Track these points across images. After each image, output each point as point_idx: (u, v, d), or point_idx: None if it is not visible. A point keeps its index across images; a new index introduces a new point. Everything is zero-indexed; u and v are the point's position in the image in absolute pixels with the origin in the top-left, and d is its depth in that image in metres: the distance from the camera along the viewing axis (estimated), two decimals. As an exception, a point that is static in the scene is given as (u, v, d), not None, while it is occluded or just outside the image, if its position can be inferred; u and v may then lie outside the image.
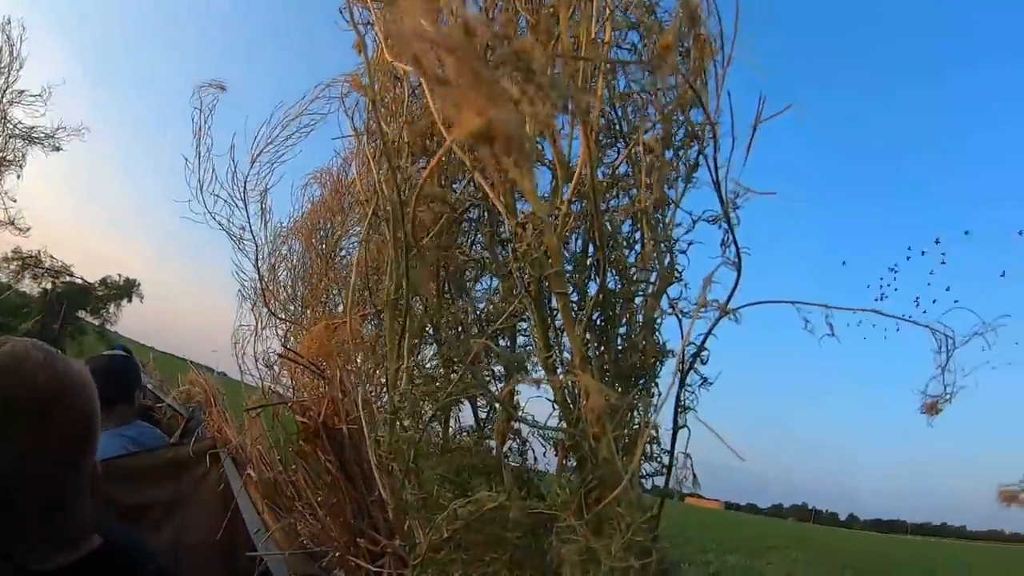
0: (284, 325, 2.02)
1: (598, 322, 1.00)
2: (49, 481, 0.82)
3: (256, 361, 2.10)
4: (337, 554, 1.49)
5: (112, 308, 21.19)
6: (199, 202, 2.07)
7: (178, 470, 3.04)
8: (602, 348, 1.00)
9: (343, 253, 2.00)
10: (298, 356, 1.64)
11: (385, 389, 1.40)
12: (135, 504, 2.14)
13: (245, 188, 1.92)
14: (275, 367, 2.07)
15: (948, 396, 0.92)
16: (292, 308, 2.02)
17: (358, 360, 1.69)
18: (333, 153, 2.15)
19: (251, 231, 1.98)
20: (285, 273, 2.06)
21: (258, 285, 2.02)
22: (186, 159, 2.12)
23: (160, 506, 2.97)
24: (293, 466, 1.90)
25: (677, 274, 1.02)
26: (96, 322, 20.91)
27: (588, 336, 0.95)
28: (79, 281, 20.12)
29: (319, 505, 1.65)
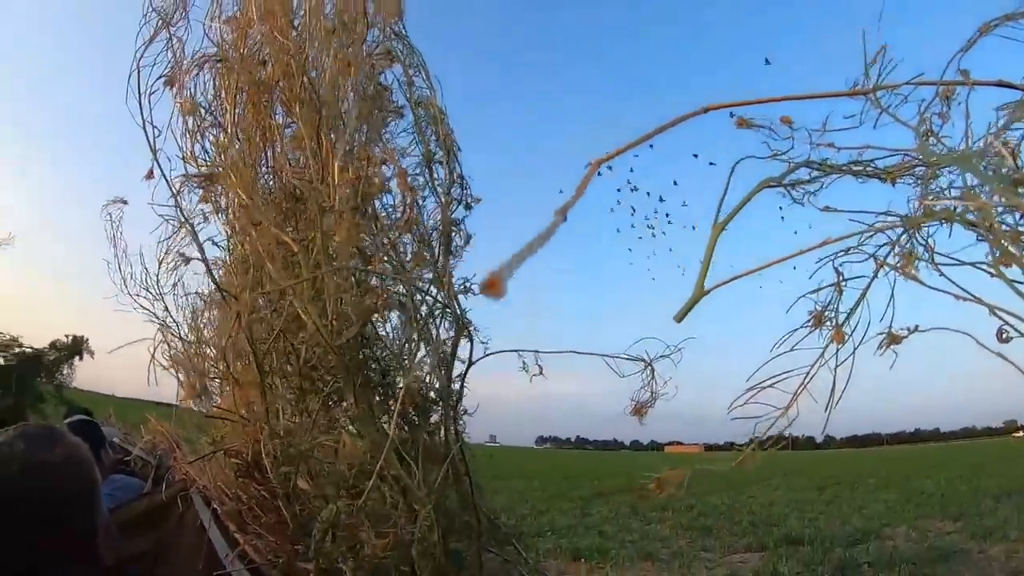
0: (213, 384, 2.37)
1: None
2: (16, 555, 0.99)
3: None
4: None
5: (65, 369, 20.87)
6: (126, 294, 2.43)
7: (157, 518, 3.29)
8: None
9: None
10: (226, 412, 2.00)
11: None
12: (123, 558, 2.36)
13: (159, 283, 2.29)
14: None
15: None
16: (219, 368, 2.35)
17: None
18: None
19: (172, 316, 2.36)
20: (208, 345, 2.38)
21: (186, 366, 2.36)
22: (107, 262, 2.47)
23: (147, 557, 3.22)
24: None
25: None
26: (52, 386, 20.60)
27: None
28: (28, 350, 19.81)
29: (265, 526, 2.03)
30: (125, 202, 2.38)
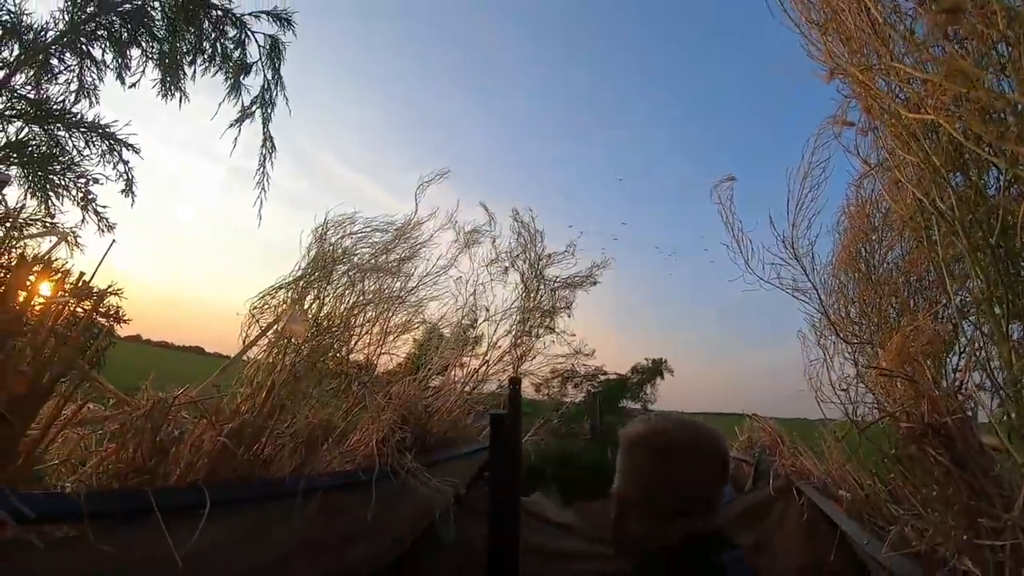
0: (853, 348, 2.24)
1: None
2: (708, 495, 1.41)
3: (833, 388, 2.33)
4: (956, 544, 1.58)
5: (648, 389, 23.64)
6: (750, 274, 2.51)
7: (760, 512, 3.34)
8: None
9: (885, 266, 2.19)
10: (887, 369, 1.82)
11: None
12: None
13: (793, 247, 2.29)
14: (849, 390, 2.27)
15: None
16: (858, 331, 2.22)
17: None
18: (844, 184, 2.39)
19: (808, 279, 2.32)
20: (844, 304, 2.28)
21: (823, 322, 2.32)
22: (726, 245, 2.59)
23: (746, 550, 3.26)
24: (891, 475, 2.02)
25: None
26: (637, 405, 23.54)
27: None
28: (612, 376, 23.11)
29: (928, 502, 1.75)
30: (733, 178, 2.47)
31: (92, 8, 5.37)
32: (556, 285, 4.24)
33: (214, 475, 1.68)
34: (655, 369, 23.65)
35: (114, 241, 1.46)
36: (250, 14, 6.43)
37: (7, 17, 5.05)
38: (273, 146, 6.77)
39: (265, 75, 6.58)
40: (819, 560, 2.80)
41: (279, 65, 6.57)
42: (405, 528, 2.96)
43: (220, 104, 6.46)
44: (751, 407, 4.16)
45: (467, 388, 3.48)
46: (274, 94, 6.61)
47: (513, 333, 3.93)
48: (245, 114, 6.50)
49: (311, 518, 2.04)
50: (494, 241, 4.05)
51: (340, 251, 2.36)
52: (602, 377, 23.28)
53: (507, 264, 4.08)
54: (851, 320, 2.23)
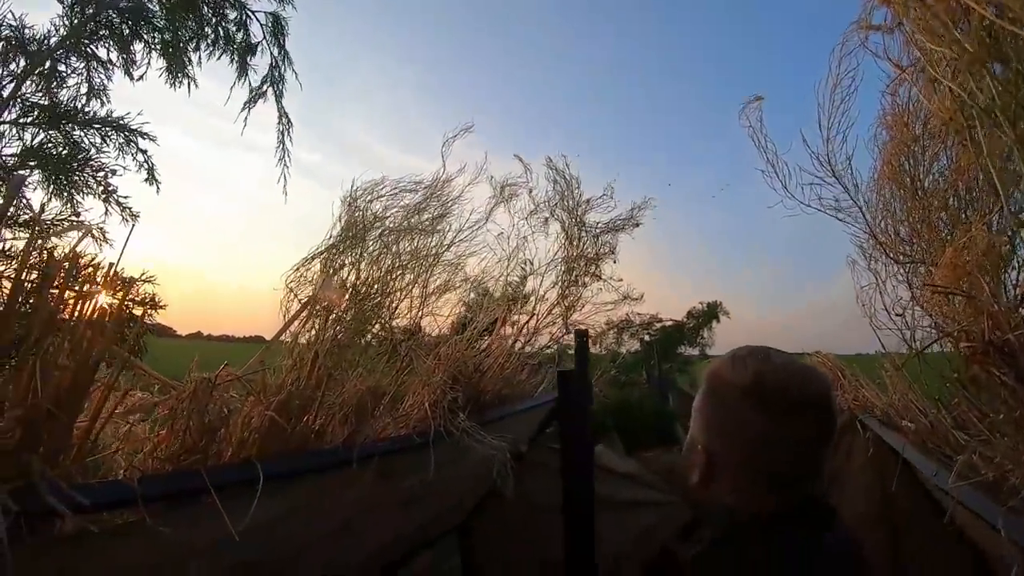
0: (905, 269, 2.13)
1: None
2: (816, 458, 1.18)
3: (888, 314, 2.23)
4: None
5: (705, 333, 23.46)
6: (789, 198, 2.38)
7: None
8: None
9: (931, 178, 2.06)
10: (942, 286, 1.72)
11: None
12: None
13: (830, 163, 2.16)
14: (904, 314, 2.17)
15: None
16: (909, 251, 2.11)
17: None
18: (876, 93, 2.24)
19: (851, 198, 2.20)
20: (892, 223, 2.17)
21: (871, 242, 2.20)
22: (762, 171, 2.46)
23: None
24: (956, 400, 1.93)
25: None
26: (696, 351, 23.48)
27: None
28: (668, 323, 22.96)
29: (996, 426, 1.65)
30: (761, 98, 2.34)
31: (91, 9, 5.47)
32: (598, 231, 4.16)
33: (266, 450, 1.72)
34: (711, 313, 23.40)
35: (134, 226, 1.48)
36: (246, -6, 6.47)
37: (8, 32, 5.19)
38: (289, 121, 6.88)
39: (271, 52, 6.62)
40: (888, 495, 2.72)
41: (283, 41, 6.61)
42: (467, 489, 3.00)
43: (232, 88, 6.56)
44: (810, 345, 4.03)
45: (518, 344, 3.47)
46: (282, 70, 6.68)
47: (560, 284, 3.90)
48: (257, 94, 6.60)
49: (369, 484, 2.08)
50: (531, 192, 3.98)
51: (371, 216, 2.36)
52: (658, 325, 23.19)
53: (547, 214, 4.01)
54: (901, 239, 2.11)
